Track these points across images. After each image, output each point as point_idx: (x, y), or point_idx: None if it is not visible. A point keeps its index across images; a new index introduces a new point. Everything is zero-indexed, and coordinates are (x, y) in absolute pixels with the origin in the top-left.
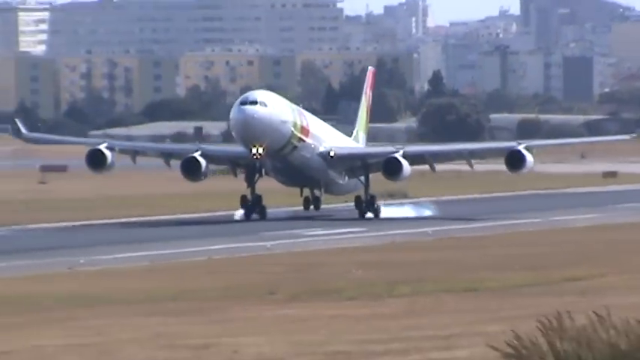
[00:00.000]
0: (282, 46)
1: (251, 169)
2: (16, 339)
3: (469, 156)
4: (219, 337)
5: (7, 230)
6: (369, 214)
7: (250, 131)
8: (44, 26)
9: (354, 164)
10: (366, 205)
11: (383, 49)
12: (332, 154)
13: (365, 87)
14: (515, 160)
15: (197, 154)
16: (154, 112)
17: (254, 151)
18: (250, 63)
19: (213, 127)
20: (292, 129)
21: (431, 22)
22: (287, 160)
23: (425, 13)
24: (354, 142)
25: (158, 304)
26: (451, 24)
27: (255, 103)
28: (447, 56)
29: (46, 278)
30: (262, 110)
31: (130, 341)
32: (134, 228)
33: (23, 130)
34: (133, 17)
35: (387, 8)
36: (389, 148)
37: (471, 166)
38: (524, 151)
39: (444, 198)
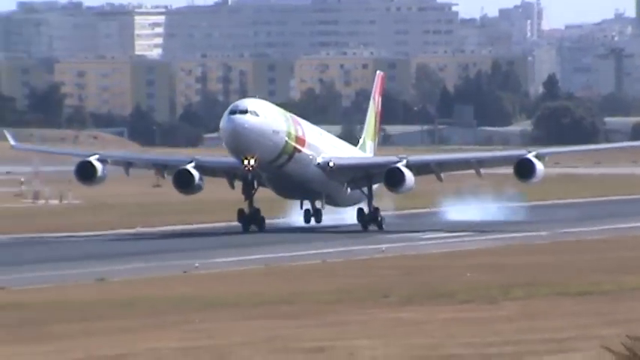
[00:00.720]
0: (397, 49)
1: (247, 181)
2: (132, 342)
3: (477, 165)
4: (334, 340)
5: (122, 234)
6: (373, 227)
7: (240, 142)
8: (160, 30)
9: (356, 175)
10: (369, 218)
11: (498, 52)
12: (331, 164)
13: (372, 92)
14: (524, 169)
15: (190, 166)
16: None
17: (245, 162)
18: (365, 66)
19: (329, 131)
20: (286, 139)
21: (546, 25)
22: (282, 172)
23: (540, 16)
24: (359, 152)
25: (273, 307)
26: (566, 27)
27: (245, 112)
28: (561, 59)
29: (162, 281)
30: (253, 120)
31: (244, 344)
32: (249, 231)
33: (12, 141)
34: (248, 21)
35: (502, 11)
36: (392, 158)
37: (480, 174)
38: (534, 160)
39: (564, 201)
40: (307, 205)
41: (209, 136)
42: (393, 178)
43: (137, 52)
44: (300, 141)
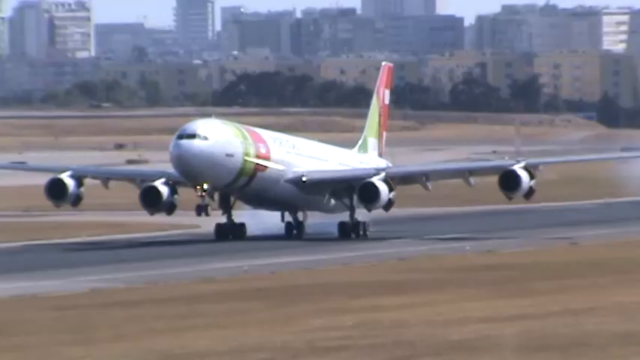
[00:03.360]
0: None
1: (225, 194)
2: (601, 297)
3: (468, 175)
4: None
5: (589, 204)
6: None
7: (188, 169)
8: (624, 27)
9: (336, 187)
10: (354, 232)
11: None
12: (304, 179)
13: (377, 85)
14: (508, 182)
15: (159, 183)
16: None
17: (197, 188)
18: None
19: None
20: (244, 159)
21: None
22: (246, 191)
23: None
24: (355, 156)
25: None
26: None
27: (192, 136)
28: None
29: (628, 245)
30: (201, 144)
31: None
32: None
33: None
34: None
35: None
36: (370, 170)
37: (470, 184)
38: (520, 172)
39: None
40: (288, 217)
41: None
42: (366, 194)
43: (604, 47)
44: (264, 158)
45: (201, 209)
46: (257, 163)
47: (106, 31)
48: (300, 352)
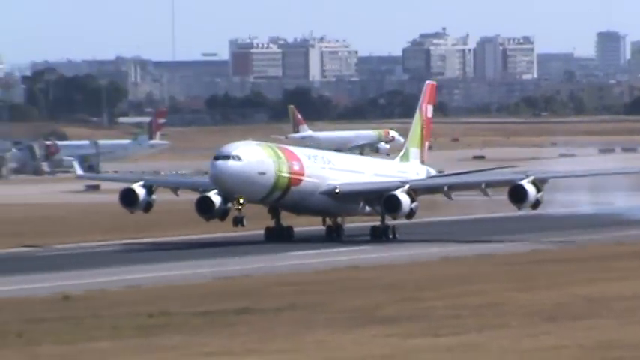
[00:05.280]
0: None
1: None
2: None
3: (485, 187)
4: None
5: None
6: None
7: (223, 186)
8: None
9: (368, 197)
10: (384, 235)
11: None
12: (337, 190)
13: (420, 101)
14: (516, 195)
15: (212, 193)
16: None
17: (235, 203)
18: None
19: None
20: (277, 176)
21: None
22: (282, 203)
23: None
24: (396, 166)
25: None
26: None
27: (227, 157)
28: None
29: None
30: (235, 165)
31: None
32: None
33: (79, 171)
34: None
35: None
36: (395, 183)
37: (487, 195)
38: (527, 186)
39: None
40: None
41: None
42: (390, 205)
43: None
44: (298, 174)
45: (238, 221)
46: (291, 179)
47: (545, 60)
48: None
